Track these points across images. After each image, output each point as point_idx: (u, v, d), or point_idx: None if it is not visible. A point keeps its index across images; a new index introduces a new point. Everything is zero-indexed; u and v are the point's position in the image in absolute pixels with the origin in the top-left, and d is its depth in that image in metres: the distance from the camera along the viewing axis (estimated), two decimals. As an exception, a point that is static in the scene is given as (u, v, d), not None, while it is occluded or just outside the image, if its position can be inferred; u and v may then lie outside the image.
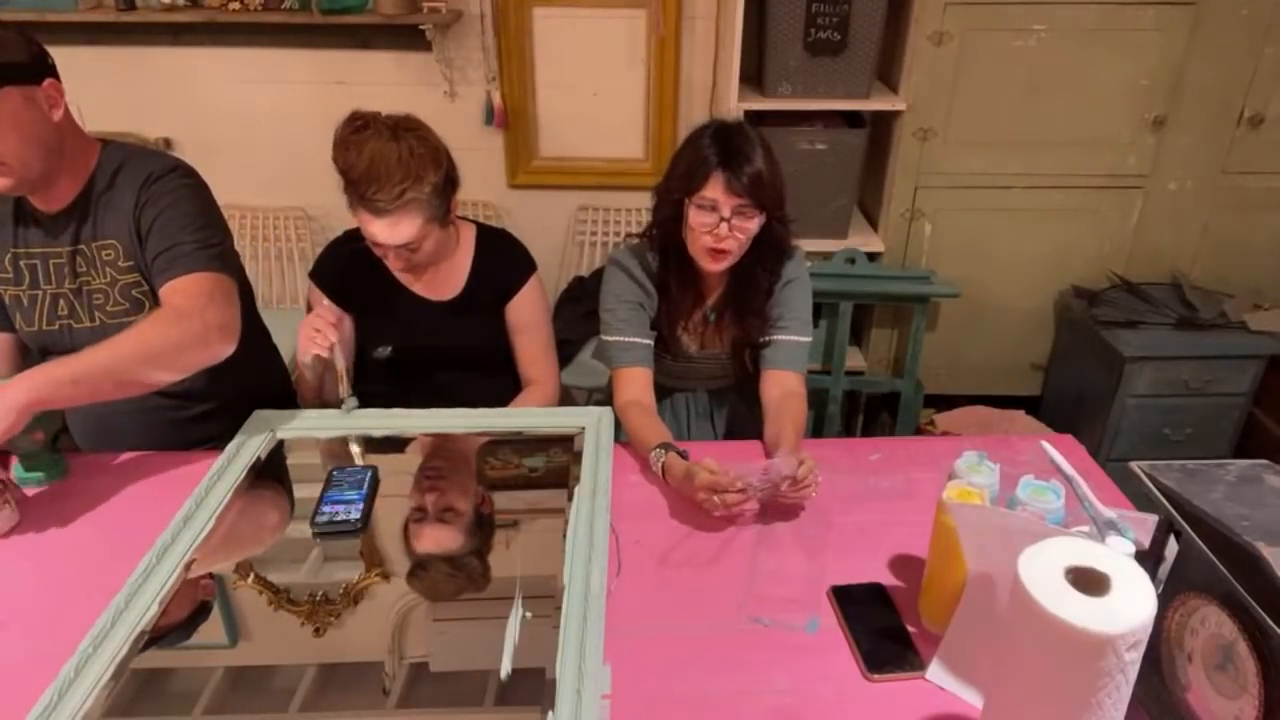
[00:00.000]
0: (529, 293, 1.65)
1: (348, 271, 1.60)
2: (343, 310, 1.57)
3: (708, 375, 1.64)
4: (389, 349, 1.58)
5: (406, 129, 1.44)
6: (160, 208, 1.36)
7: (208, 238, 1.37)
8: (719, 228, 1.38)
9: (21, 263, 1.39)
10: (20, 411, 1.16)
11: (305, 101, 2.71)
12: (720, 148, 1.38)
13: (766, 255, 1.48)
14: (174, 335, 1.28)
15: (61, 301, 1.41)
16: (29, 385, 1.17)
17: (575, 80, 2.67)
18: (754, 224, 1.40)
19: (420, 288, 1.62)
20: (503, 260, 1.66)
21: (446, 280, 1.62)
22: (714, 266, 1.44)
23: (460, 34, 2.59)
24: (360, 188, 1.39)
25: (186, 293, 1.33)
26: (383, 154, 1.39)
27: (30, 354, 1.47)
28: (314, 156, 2.76)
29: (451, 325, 1.62)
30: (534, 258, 1.69)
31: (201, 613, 1.12)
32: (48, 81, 1.28)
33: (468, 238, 1.65)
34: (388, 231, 1.43)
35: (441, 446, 1.49)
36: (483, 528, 1.31)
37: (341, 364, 1.39)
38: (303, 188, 2.82)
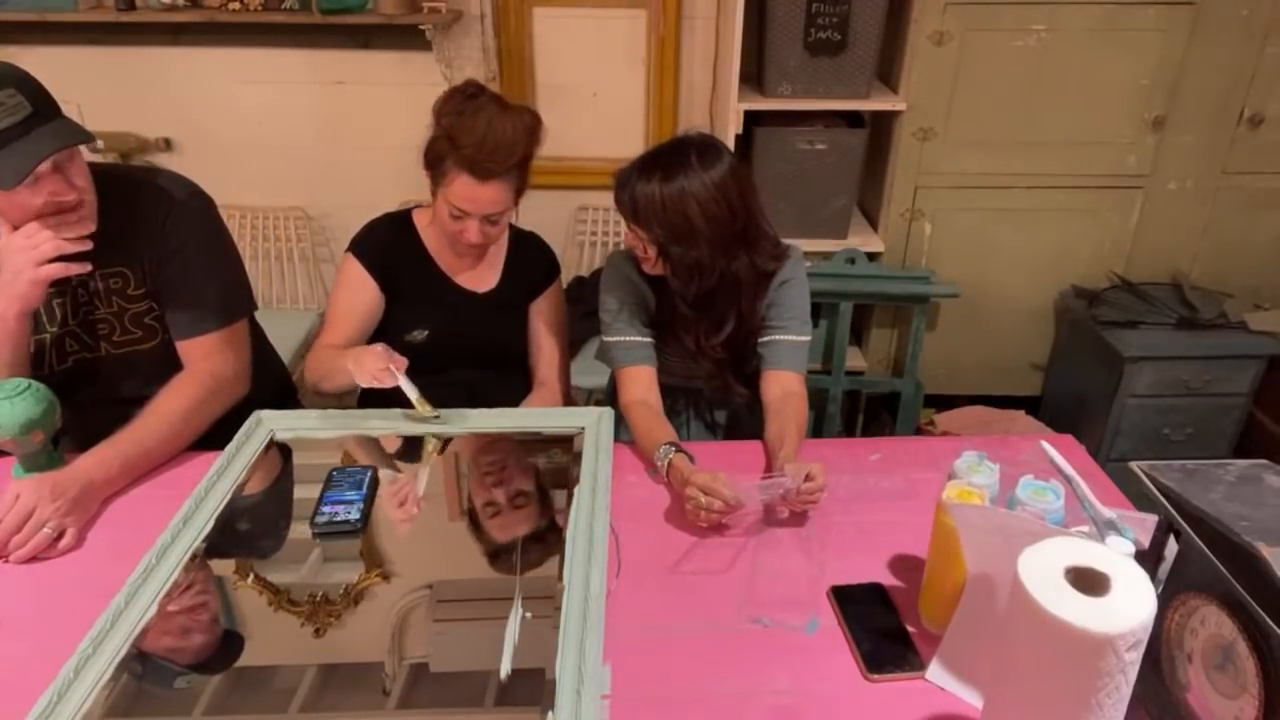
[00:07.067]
0: (552, 295, 1.72)
1: (391, 251, 1.62)
2: (381, 293, 1.60)
3: (708, 374, 1.63)
4: (425, 332, 1.61)
5: (510, 104, 1.51)
6: (183, 239, 1.39)
7: (229, 279, 1.43)
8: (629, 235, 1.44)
9: None
10: (93, 505, 1.25)
11: (305, 101, 2.71)
12: (636, 163, 1.42)
13: (678, 274, 1.44)
14: (195, 405, 1.38)
15: (68, 340, 1.39)
16: (89, 477, 1.25)
17: (575, 80, 2.67)
18: (650, 243, 1.40)
19: (460, 278, 1.65)
20: (534, 260, 1.72)
21: (484, 273, 1.67)
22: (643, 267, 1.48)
23: (460, 34, 2.59)
24: (474, 151, 1.44)
25: (208, 354, 1.42)
26: (500, 123, 1.46)
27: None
28: (314, 156, 2.80)
29: (485, 318, 1.66)
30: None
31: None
32: None
33: (502, 234, 1.69)
34: (487, 196, 1.49)
35: (492, 443, 1.50)
36: (544, 499, 1.36)
37: (414, 392, 1.40)
38: (303, 188, 2.82)
